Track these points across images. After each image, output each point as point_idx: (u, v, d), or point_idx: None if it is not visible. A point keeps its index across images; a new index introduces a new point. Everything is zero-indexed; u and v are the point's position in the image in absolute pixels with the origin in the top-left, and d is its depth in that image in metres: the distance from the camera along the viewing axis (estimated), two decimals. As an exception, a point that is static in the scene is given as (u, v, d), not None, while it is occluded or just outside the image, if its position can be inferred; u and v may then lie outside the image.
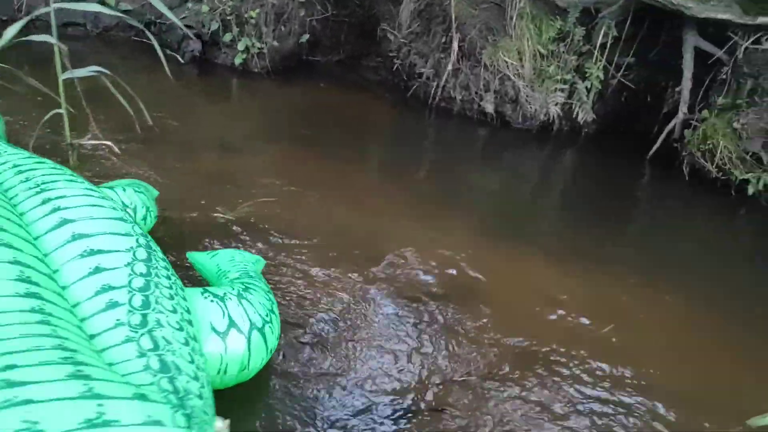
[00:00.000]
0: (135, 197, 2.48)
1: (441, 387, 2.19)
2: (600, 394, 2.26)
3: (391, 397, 2.11)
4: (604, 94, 5.37)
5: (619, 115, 5.47)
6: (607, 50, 5.13)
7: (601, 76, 5.15)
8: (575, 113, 5.22)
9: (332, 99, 5.48)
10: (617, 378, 2.35)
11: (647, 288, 3.05)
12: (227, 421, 1.45)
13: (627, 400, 2.25)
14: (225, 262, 2.32)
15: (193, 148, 3.88)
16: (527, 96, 5.14)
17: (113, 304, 1.46)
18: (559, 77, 5.13)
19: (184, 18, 5.43)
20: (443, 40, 5.41)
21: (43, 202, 1.69)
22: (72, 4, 2.67)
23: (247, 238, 2.92)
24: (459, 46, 5.24)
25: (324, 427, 1.94)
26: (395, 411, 2.05)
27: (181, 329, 1.54)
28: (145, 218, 2.48)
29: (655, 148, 4.86)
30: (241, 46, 5.47)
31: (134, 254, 1.63)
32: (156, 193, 2.79)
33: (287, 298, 2.52)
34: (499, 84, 5.17)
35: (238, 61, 5.51)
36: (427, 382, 2.20)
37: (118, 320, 1.43)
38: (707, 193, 4.41)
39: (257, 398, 1.99)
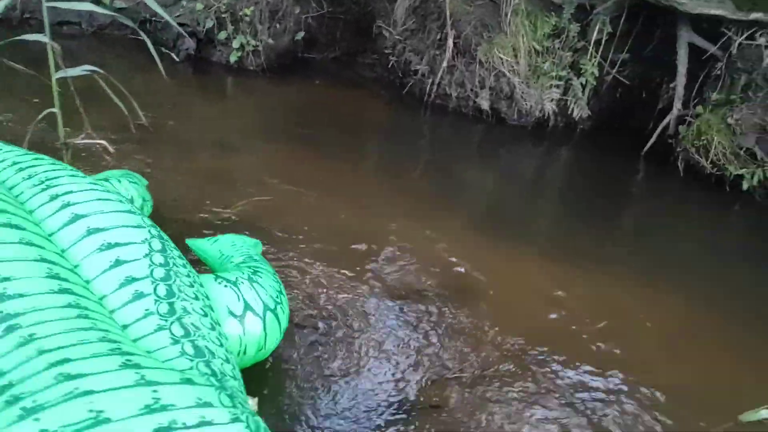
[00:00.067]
0: (131, 188, 2.50)
1: (437, 384, 2.19)
2: (596, 391, 2.27)
3: (387, 394, 2.12)
4: (599, 90, 5.38)
5: (614, 112, 5.48)
6: (601, 46, 5.13)
7: (596, 72, 5.15)
8: (570, 109, 5.23)
9: (328, 96, 5.48)
10: (613, 375, 2.36)
11: (643, 285, 3.05)
12: (256, 399, 1.48)
13: (623, 397, 2.26)
14: (227, 247, 2.36)
15: (189, 146, 3.88)
16: (522, 92, 5.14)
17: (139, 295, 1.49)
18: (554, 74, 5.14)
19: (178, 16, 5.42)
20: (438, 36, 5.41)
21: (51, 199, 1.68)
22: (65, 3, 2.66)
23: (242, 236, 2.92)
24: (454, 43, 5.24)
25: (318, 424, 1.95)
26: (390, 408, 2.06)
27: (205, 315, 1.59)
28: (142, 208, 2.49)
29: (649, 144, 4.87)
30: (236, 44, 5.46)
31: (150, 245, 1.65)
32: (145, 182, 2.80)
33: (282, 296, 2.52)
34: (494, 81, 5.18)
35: (233, 59, 5.50)
36: (422, 379, 2.21)
37: (147, 310, 1.46)
38: (702, 189, 4.42)
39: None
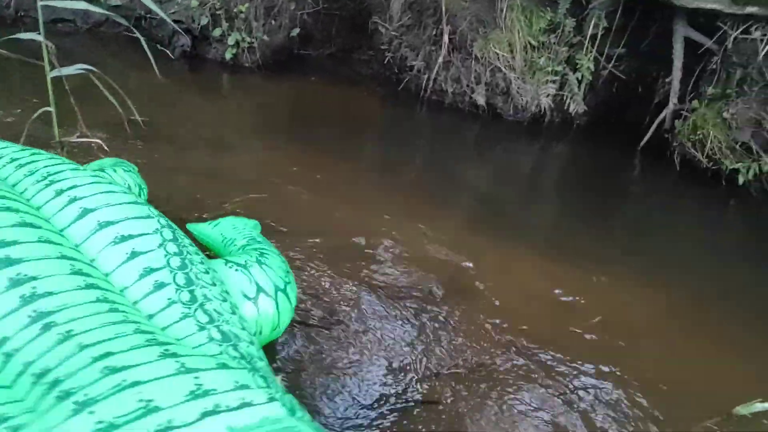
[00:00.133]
0: (126, 176, 2.50)
1: (433, 380, 2.20)
2: (592, 388, 2.27)
3: (383, 390, 2.12)
4: (595, 85, 5.38)
5: (611, 106, 5.49)
6: (597, 41, 5.13)
7: (592, 67, 5.16)
8: (566, 105, 5.23)
9: (324, 93, 5.47)
10: (609, 371, 2.36)
11: (640, 281, 3.06)
12: (281, 376, 1.47)
13: (619, 393, 2.26)
14: (229, 230, 2.38)
15: (184, 144, 3.87)
16: (518, 88, 5.15)
17: (160, 285, 1.50)
18: (550, 69, 5.14)
19: (173, 13, 5.40)
20: (434, 32, 5.40)
21: (57, 194, 1.67)
22: (59, 2, 2.65)
23: (239, 234, 2.91)
24: (450, 39, 5.24)
25: (314, 420, 1.94)
26: (386, 404, 2.06)
27: (225, 300, 1.61)
28: (139, 196, 2.49)
29: (646, 138, 4.88)
30: (231, 41, 5.45)
31: (162, 235, 1.65)
32: (136, 168, 2.80)
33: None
34: (490, 76, 5.18)
35: (228, 55, 5.49)
36: (419, 375, 2.22)
37: (169, 299, 1.47)
38: (698, 184, 4.43)
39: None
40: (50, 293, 1.29)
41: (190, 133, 4.10)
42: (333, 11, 6.20)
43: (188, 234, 2.39)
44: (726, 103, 4.35)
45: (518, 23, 5.11)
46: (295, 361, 2.19)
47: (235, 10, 5.39)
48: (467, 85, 5.27)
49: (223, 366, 1.20)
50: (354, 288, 2.66)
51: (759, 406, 2.12)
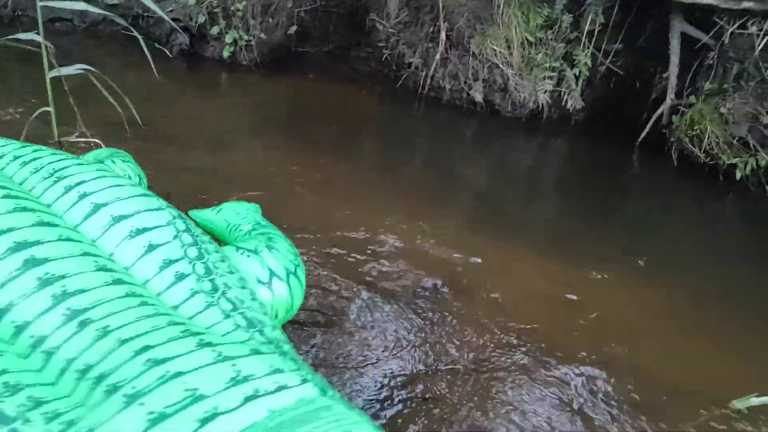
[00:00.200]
0: (126, 167, 2.50)
1: (430, 377, 2.21)
2: (589, 384, 2.28)
3: (380, 387, 2.13)
4: (593, 81, 5.39)
5: (608, 102, 5.50)
6: (594, 37, 5.14)
7: (590, 63, 5.17)
8: (564, 101, 5.24)
9: (322, 90, 5.48)
10: (607, 368, 2.36)
11: (638, 277, 3.07)
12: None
13: (617, 390, 2.26)
14: (232, 215, 2.38)
15: (182, 142, 3.88)
16: (516, 84, 5.16)
17: (181, 276, 1.50)
18: (547, 65, 5.15)
19: (171, 11, 5.40)
20: (431, 29, 5.41)
21: (66, 191, 1.66)
22: (58, 3, 2.65)
23: (238, 232, 2.92)
24: (447, 36, 5.25)
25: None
26: (384, 400, 2.08)
27: (243, 287, 1.62)
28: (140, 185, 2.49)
29: (643, 134, 4.89)
30: (228, 39, 5.46)
31: (175, 226, 1.65)
32: (130, 157, 2.79)
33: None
34: (487, 73, 5.19)
35: (226, 54, 5.50)
36: (417, 372, 2.23)
37: (192, 289, 1.48)
38: (696, 179, 4.44)
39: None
40: (81, 291, 1.31)
41: (189, 132, 4.11)
42: (330, 8, 6.20)
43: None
44: (723, 98, 4.36)
45: (515, 19, 5.12)
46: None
47: (232, 8, 5.39)
48: (465, 82, 5.28)
49: (256, 352, 1.23)
50: (353, 285, 2.66)
51: (755, 400, 2.14)
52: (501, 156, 4.84)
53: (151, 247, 1.54)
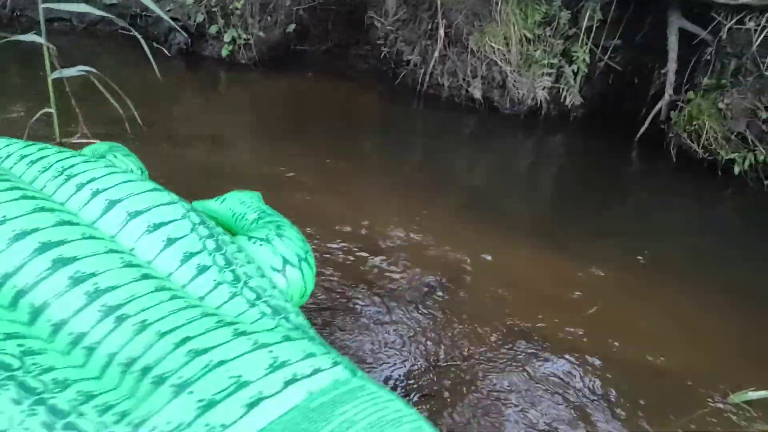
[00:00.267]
0: (128, 161, 2.50)
1: (429, 374, 2.22)
2: (587, 380, 2.30)
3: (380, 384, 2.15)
4: (591, 77, 5.40)
5: (607, 98, 5.51)
6: (593, 33, 5.15)
7: (588, 59, 5.17)
8: (563, 97, 5.26)
9: (321, 89, 5.48)
10: (606, 364, 2.38)
11: (637, 273, 3.08)
12: None
13: (613, 385, 2.28)
14: (237, 204, 2.41)
15: (182, 142, 3.89)
16: (514, 81, 5.17)
17: (203, 268, 1.52)
18: (545, 61, 5.16)
19: (169, 11, 5.41)
20: (429, 26, 5.41)
21: (78, 188, 1.66)
22: (61, 5, 2.66)
23: (240, 231, 2.93)
24: (445, 33, 5.25)
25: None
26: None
27: (263, 276, 1.64)
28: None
29: (642, 130, 4.90)
30: (227, 38, 5.46)
31: (191, 219, 1.66)
32: (127, 150, 2.80)
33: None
34: (486, 70, 5.20)
35: (224, 53, 5.50)
36: (416, 369, 2.24)
37: (215, 281, 1.50)
38: (694, 174, 4.45)
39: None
40: (113, 287, 1.33)
41: (189, 131, 4.12)
42: (329, 6, 6.20)
43: None
44: (721, 93, 4.37)
45: (513, 16, 5.13)
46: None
47: (231, 7, 5.39)
48: (463, 79, 5.29)
49: (287, 338, 1.26)
50: (353, 284, 2.68)
51: (752, 394, 2.16)
52: (500, 153, 4.85)
53: (170, 241, 1.56)
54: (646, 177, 4.64)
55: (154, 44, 5.25)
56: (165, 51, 5.46)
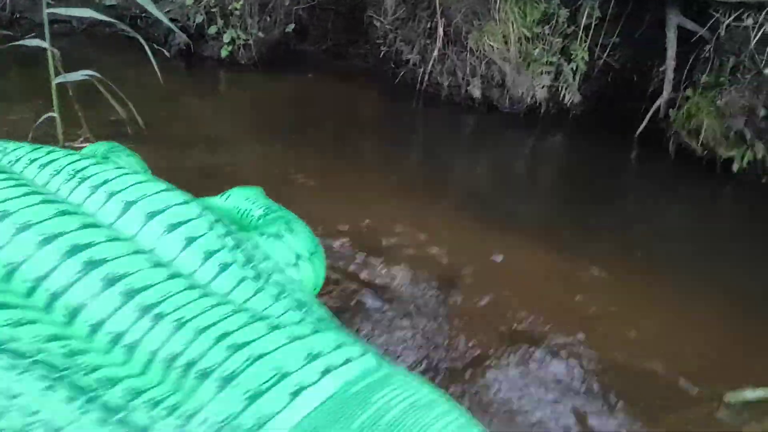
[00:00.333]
0: (131, 161, 2.52)
1: (429, 375, 2.24)
2: (586, 379, 2.30)
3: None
4: (590, 75, 5.42)
5: (606, 96, 5.52)
6: (591, 31, 5.16)
7: (587, 57, 5.19)
8: (562, 95, 5.27)
9: (320, 88, 5.49)
10: (605, 362, 2.40)
11: (636, 272, 3.09)
12: None
13: (613, 384, 2.29)
14: (242, 201, 2.45)
15: (183, 143, 3.90)
16: (514, 80, 5.18)
17: (225, 266, 1.55)
18: (544, 60, 5.17)
19: (168, 12, 5.42)
20: (428, 25, 5.43)
21: (93, 191, 1.67)
22: (66, 10, 2.67)
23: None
24: (444, 32, 5.26)
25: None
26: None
27: (281, 271, 1.68)
28: None
29: (641, 127, 4.91)
30: (226, 39, 5.48)
31: (207, 218, 1.68)
32: (124, 148, 2.82)
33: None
34: (485, 69, 5.21)
35: (224, 53, 5.51)
36: (414, 368, 2.25)
37: (238, 277, 1.53)
38: (693, 172, 4.46)
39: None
40: (146, 287, 1.36)
41: (189, 132, 4.13)
42: (329, 6, 6.21)
43: None
44: (719, 91, 4.38)
45: (512, 15, 5.14)
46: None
47: (230, 8, 5.41)
48: (463, 78, 5.30)
49: (317, 330, 1.31)
50: (353, 284, 2.69)
51: (749, 393, 2.17)
52: (500, 151, 4.86)
53: (190, 240, 1.58)
54: (645, 174, 4.66)
55: (154, 45, 5.25)
56: (165, 52, 5.46)
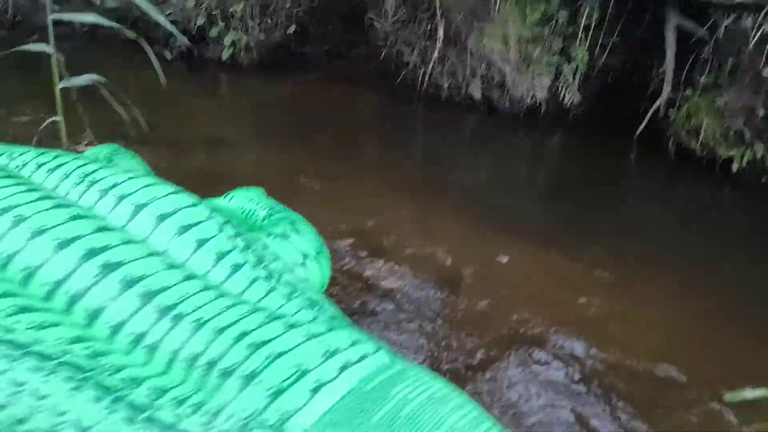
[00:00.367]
0: (135, 164, 2.54)
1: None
2: (586, 380, 2.31)
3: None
4: (590, 75, 5.41)
5: (606, 96, 5.52)
6: (591, 32, 5.17)
7: (587, 57, 5.19)
8: (562, 96, 5.28)
9: (321, 90, 5.51)
10: (606, 363, 2.41)
11: (636, 271, 3.11)
12: None
13: (612, 383, 2.30)
14: (245, 202, 2.48)
15: (185, 145, 3.92)
16: (514, 80, 5.19)
17: (237, 266, 1.57)
18: (544, 60, 5.18)
19: (170, 14, 5.44)
20: (429, 27, 5.44)
21: (102, 194, 1.69)
22: (70, 16, 2.69)
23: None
24: (444, 33, 5.27)
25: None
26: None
27: (291, 270, 1.71)
28: None
29: (641, 128, 4.93)
30: (227, 41, 5.50)
31: (216, 220, 1.70)
32: (121, 149, 2.84)
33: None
34: (485, 69, 5.22)
35: (225, 55, 5.54)
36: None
37: (250, 277, 1.56)
38: (693, 172, 4.47)
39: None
40: (164, 289, 1.39)
41: (191, 134, 4.15)
42: (329, 7, 6.23)
43: None
44: (719, 91, 4.40)
45: (512, 16, 5.15)
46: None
47: (231, 10, 5.43)
48: (463, 79, 5.32)
49: (331, 327, 1.34)
50: (354, 285, 2.71)
51: (748, 393, 2.19)
52: (500, 152, 4.88)
53: (201, 242, 1.60)
54: (644, 174, 4.67)
55: (155, 47, 5.28)
56: (166, 54, 5.49)
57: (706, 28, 4.61)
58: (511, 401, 2.18)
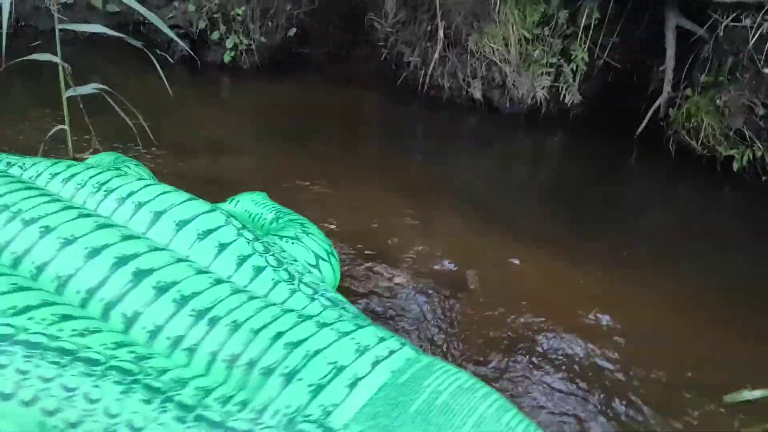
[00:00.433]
0: (141, 171, 2.57)
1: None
2: (587, 379, 2.33)
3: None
4: (591, 75, 5.45)
5: (606, 96, 5.55)
6: (591, 31, 5.19)
7: (587, 57, 5.22)
8: (562, 96, 5.31)
9: (322, 92, 5.53)
10: (604, 363, 2.43)
11: (636, 271, 3.13)
12: None
13: (610, 386, 2.32)
14: (252, 206, 2.53)
15: (187, 149, 3.94)
16: (514, 81, 5.22)
17: (259, 269, 1.60)
18: (545, 61, 5.21)
19: (171, 18, 5.47)
20: (429, 28, 5.46)
21: (120, 203, 1.71)
22: (77, 26, 2.72)
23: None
24: (445, 34, 5.30)
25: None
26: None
27: (310, 272, 1.75)
28: None
29: (641, 127, 4.95)
30: (229, 44, 5.52)
31: (234, 225, 1.73)
32: (123, 157, 2.88)
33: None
34: (485, 70, 5.25)
35: (227, 59, 5.56)
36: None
37: (272, 280, 1.59)
38: (694, 171, 4.50)
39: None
40: (196, 293, 1.42)
41: (194, 139, 4.17)
42: (330, 9, 6.25)
43: None
44: (718, 90, 4.42)
45: (512, 17, 5.18)
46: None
47: (232, 13, 5.45)
48: (464, 80, 5.34)
49: (358, 326, 1.39)
50: (355, 286, 2.72)
51: (747, 394, 2.20)
52: (501, 152, 4.90)
53: (222, 247, 1.63)
54: (645, 174, 4.69)
55: (157, 51, 5.29)
56: (168, 58, 5.51)
57: (705, 27, 4.64)
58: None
